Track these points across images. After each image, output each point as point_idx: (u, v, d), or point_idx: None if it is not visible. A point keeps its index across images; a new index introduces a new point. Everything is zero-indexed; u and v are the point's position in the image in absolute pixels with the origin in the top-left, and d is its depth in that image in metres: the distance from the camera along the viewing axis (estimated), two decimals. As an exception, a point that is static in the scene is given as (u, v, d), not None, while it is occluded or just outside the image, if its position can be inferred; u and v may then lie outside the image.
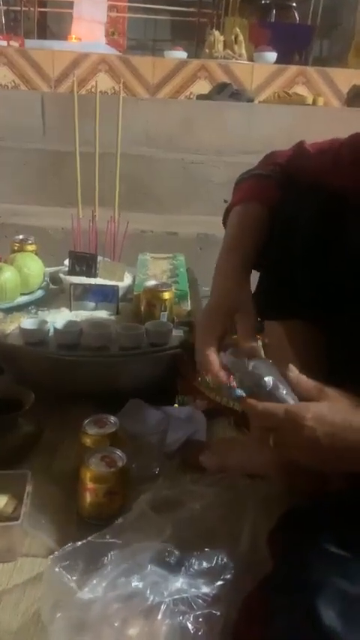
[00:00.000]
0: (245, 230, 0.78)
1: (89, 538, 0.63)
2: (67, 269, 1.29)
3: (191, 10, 4.32)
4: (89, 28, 3.57)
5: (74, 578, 0.58)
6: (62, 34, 3.79)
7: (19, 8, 3.79)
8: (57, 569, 0.58)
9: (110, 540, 0.63)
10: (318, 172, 0.76)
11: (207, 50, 3.15)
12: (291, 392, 0.63)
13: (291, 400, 0.62)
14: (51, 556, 0.61)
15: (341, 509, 0.62)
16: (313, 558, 0.54)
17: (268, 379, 0.63)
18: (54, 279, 1.32)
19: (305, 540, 0.57)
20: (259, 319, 1.01)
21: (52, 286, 1.31)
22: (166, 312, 1.09)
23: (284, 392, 0.62)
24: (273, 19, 4.08)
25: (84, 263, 1.26)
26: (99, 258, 1.28)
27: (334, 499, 0.66)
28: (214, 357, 0.69)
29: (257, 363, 0.66)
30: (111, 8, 3.90)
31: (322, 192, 0.72)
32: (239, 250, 0.77)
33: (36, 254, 1.33)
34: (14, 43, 3.01)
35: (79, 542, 0.62)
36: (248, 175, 0.85)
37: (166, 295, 1.10)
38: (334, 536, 0.56)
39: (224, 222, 0.84)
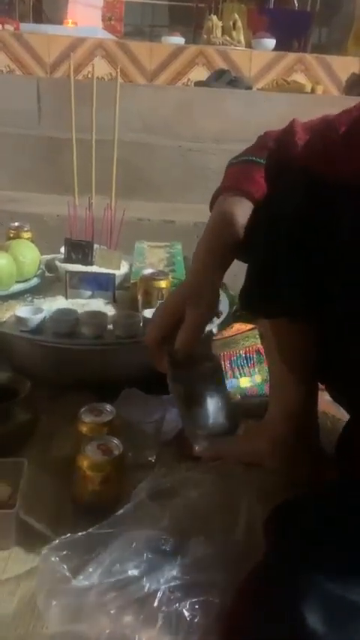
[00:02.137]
0: (225, 227, 0.75)
1: (89, 530, 0.63)
2: (63, 257, 1.28)
3: (189, -5, 4.26)
4: (85, 13, 3.52)
5: (70, 567, 0.58)
6: (58, 19, 3.73)
7: (14, -9, 3.73)
8: (53, 559, 0.58)
9: (109, 531, 0.62)
10: (306, 156, 0.70)
11: (205, 36, 3.11)
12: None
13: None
14: (47, 546, 0.60)
15: (334, 501, 0.62)
16: (302, 558, 0.53)
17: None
18: (50, 266, 1.31)
19: (296, 535, 0.57)
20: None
21: (47, 274, 1.30)
22: (163, 301, 1.09)
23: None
24: (272, 6, 4.03)
25: (80, 251, 1.24)
26: (95, 246, 1.27)
27: (330, 490, 0.66)
28: (154, 354, 0.75)
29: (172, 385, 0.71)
30: (108, -8, 3.84)
31: (311, 178, 0.66)
32: (217, 252, 0.75)
33: (32, 241, 1.31)
34: (9, 27, 2.96)
35: (78, 534, 0.62)
36: (238, 160, 0.81)
37: (163, 284, 1.09)
38: (322, 532, 0.56)
39: (211, 207, 0.81)
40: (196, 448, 0.81)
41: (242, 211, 0.74)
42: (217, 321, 1.08)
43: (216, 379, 0.72)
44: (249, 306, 0.77)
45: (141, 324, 1.02)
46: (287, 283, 0.67)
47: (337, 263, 0.62)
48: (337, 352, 0.74)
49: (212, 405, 0.69)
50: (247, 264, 0.74)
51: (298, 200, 0.65)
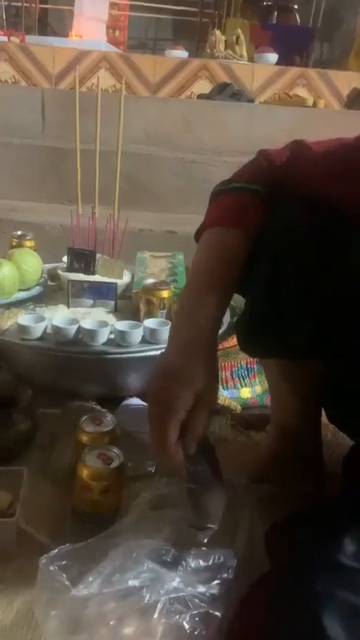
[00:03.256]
0: (220, 267, 0.65)
1: (88, 540, 0.63)
2: (65, 266, 1.28)
3: (193, 9, 4.31)
4: (90, 26, 3.55)
5: (69, 576, 0.58)
6: (63, 32, 3.78)
7: (20, 4, 3.78)
8: (52, 568, 0.58)
9: (109, 540, 0.62)
10: (321, 181, 0.62)
11: (208, 50, 3.15)
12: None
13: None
14: (46, 555, 0.60)
15: (345, 513, 0.61)
16: (319, 567, 0.53)
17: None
18: (52, 275, 1.31)
19: (311, 548, 0.56)
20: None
21: (50, 283, 1.30)
22: (165, 311, 1.09)
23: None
24: (274, 21, 4.08)
25: (83, 260, 1.25)
26: (98, 255, 1.28)
27: (336, 503, 0.66)
28: (175, 452, 0.62)
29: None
30: (112, 6, 3.88)
31: (326, 207, 0.59)
32: (211, 296, 0.64)
33: (34, 250, 1.32)
34: (15, 39, 3.00)
35: (78, 544, 0.62)
36: (228, 188, 0.69)
37: (165, 294, 1.09)
38: (339, 543, 0.55)
39: (197, 240, 0.70)
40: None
41: (244, 246, 0.65)
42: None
43: (216, 463, 0.70)
44: (250, 347, 0.72)
45: (142, 334, 1.02)
46: (295, 322, 0.61)
47: (349, 299, 0.58)
48: (339, 383, 0.71)
49: (219, 497, 0.68)
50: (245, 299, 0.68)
51: (309, 232, 0.59)
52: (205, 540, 0.63)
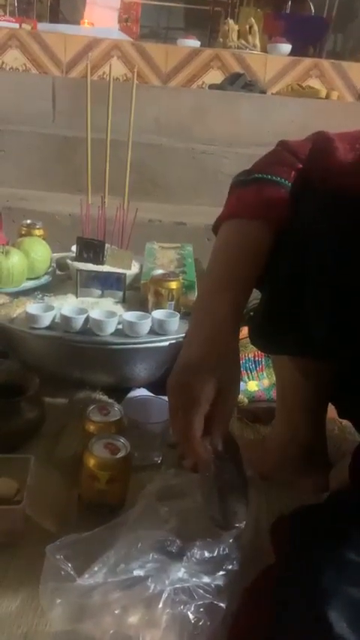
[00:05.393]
0: (241, 260, 0.62)
1: (95, 529, 0.63)
2: (74, 255, 1.28)
3: (206, -2, 4.26)
4: (102, 14, 3.52)
5: (75, 565, 0.58)
6: (75, 19, 3.74)
7: (32, -9, 3.75)
8: (58, 557, 0.58)
9: (115, 530, 0.62)
10: (346, 175, 0.59)
11: (221, 39, 3.11)
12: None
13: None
14: (51, 544, 0.60)
15: (347, 509, 0.61)
16: (325, 563, 0.53)
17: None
18: (61, 265, 1.31)
19: (315, 544, 0.56)
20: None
21: (58, 272, 1.30)
22: (173, 302, 1.08)
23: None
24: (288, 11, 4.02)
25: (91, 250, 1.25)
26: (107, 245, 1.27)
27: (340, 499, 0.65)
28: (203, 448, 0.59)
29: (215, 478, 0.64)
30: (125, -6, 3.85)
31: (352, 201, 0.56)
32: (232, 289, 0.62)
33: (43, 239, 1.32)
34: (26, 26, 2.98)
35: (84, 534, 0.62)
36: (250, 179, 0.66)
37: (174, 285, 1.09)
38: (345, 539, 0.55)
39: (215, 232, 0.68)
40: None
41: (266, 239, 0.63)
42: None
43: (241, 460, 0.68)
44: (263, 343, 0.71)
45: (151, 325, 1.02)
46: (314, 321, 0.59)
47: None
48: (353, 379, 0.70)
49: (245, 496, 0.67)
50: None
51: (333, 230, 0.56)
52: (231, 540, 0.62)
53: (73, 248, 1.28)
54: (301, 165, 0.64)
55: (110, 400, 0.98)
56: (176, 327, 1.03)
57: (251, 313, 0.73)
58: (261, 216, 0.63)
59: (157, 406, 0.93)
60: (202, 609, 0.55)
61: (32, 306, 1.04)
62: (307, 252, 0.59)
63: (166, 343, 1.02)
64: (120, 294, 1.15)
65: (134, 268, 1.27)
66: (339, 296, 0.58)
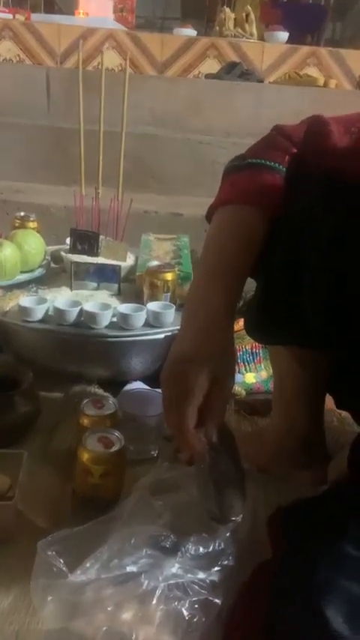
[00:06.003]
0: (235, 248, 0.61)
1: (87, 524, 0.61)
2: (68, 247, 1.26)
3: (202, -14, 4.21)
4: (97, 4, 3.48)
5: (67, 561, 0.57)
6: (70, 9, 3.70)
7: (26, -19, 3.70)
8: (49, 553, 0.57)
9: (108, 525, 0.61)
10: (341, 157, 0.57)
11: (217, 28, 3.07)
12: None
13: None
14: (43, 539, 0.59)
15: (345, 502, 0.60)
16: (322, 557, 0.52)
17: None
18: (55, 257, 1.29)
19: (312, 537, 0.55)
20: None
21: (53, 265, 1.28)
22: (169, 294, 1.07)
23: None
24: (285, -2, 3.98)
25: (86, 241, 1.23)
26: (101, 237, 1.26)
27: (338, 491, 0.64)
28: (197, 440, 0.57)
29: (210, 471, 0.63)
30: (120, -16, 3.80)
31: (347, 184, 0.55)
32: (226, 278, 0.60)
33: (38, 232, 1.30)
34: (20, 17, 2.94)
35: (76, 528, 0.61)
36: (243, 164, 0.64)
37: (169, 276, 1.07)
38: (343, 533, 0.54)
39: (208, 219, 0.66)
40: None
41: (260, 225, 0.61)
42: None
43: (237, 453, 0.66)
44: (259, 334, 0.70)
45: (146, 317, 1.01)
46: (311, 309, 0.58)
47: None
48: (347, 369, 0.69)
49: (241, 489, 0.65)
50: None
51: (329, 214, 0.55)
52: (227, 534, 0.60)
53: (68, 240, 1.27)
54: (295, 150, 0.62)
55: (105, 393, 0.96)
56: (172, 319, 1.02)
57: (242, 302, 0.72)
58: (255, 202, 0.61)
59: (153, 399, 0.91)
60: (196, 605, 0.54)
61: (25, 299, 1.03)
62: (303, 237, 0.57)
63: (162, 336, 1.00)
64: (115, 286, 1.14)
65: (129, 260, 1.26)
66: (336, 280, 0.56)
